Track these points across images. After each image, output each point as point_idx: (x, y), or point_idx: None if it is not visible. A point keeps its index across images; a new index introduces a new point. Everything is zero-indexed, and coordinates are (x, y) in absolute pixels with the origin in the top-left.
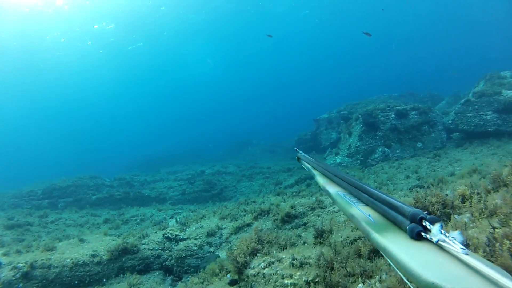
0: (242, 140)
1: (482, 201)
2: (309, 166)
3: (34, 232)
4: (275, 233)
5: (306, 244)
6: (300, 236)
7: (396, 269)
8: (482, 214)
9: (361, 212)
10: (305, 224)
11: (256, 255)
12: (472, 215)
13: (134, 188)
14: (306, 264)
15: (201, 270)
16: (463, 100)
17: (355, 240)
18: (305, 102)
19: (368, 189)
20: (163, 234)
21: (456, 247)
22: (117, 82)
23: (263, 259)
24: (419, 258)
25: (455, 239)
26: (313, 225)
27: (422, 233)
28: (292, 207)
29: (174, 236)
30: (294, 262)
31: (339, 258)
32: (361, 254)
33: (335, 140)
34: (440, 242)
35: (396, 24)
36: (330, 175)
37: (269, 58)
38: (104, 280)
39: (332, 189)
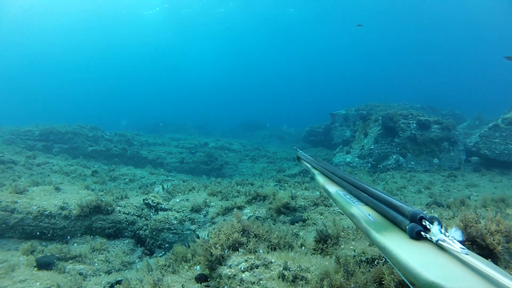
0: (253, 121)
1: None
2: (308, 165)
3: (16, 171)
4: (267, 226)
5: (304, 248)
6: (298, 235)
7: (396, 268)
8: None
9: (361, 211)
10: (304, 221)
11: (238, 250)
12: None
13: (132, 147)
14: (302, 280)
15: (171, 251)
16: (490, 124)
17: (374, 260)
18: (322, 94)
19: (368, 189)
20: (144, 200)
21: (456, 247)
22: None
23: (246, 257)
24: (419, 257)
25: (455, 239)
26: (314, 223)
27: (422, 233)
28: (292, 197)
29: (155, 204)
30: (285, 273)
31: (352, 285)
32: (383, 284)
33: (348, 138)
34: (440, 242)
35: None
36: (329, 174)
37: (294, 46)
38: (68, 237)
39: (332, 188)
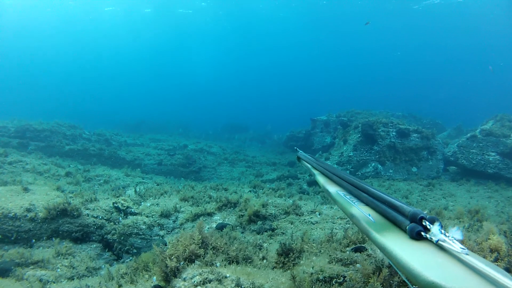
0: (236, 124)
1: None
2: (308, 166)
3: None
4: (227, 238)
5: (265, 261)
6: (261, 246)
7: (396, 268)
8: None
9: (361, 211)
10: (273, 230)
11: (194, 261)
12: None
13: (111, 147)
14: None
15: (135, 257)
16: (468, 135)
17: (332, 279)
18: (304, 99)
19: (368, 189)
20: (113, 203)
21: (456, 247)
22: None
23: (200, 271)
24: (419, 257)
25: (455, 239)
26: (283, 233)
27: (422, 233)
28: (263, 205)
29: (124, 208)
30: None
31: None
32: None
33: (328, 144)
34: (440, 242)
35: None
36: (330, 174)
37: (278, 52)
38: (33, 240)
39: (332, 188)
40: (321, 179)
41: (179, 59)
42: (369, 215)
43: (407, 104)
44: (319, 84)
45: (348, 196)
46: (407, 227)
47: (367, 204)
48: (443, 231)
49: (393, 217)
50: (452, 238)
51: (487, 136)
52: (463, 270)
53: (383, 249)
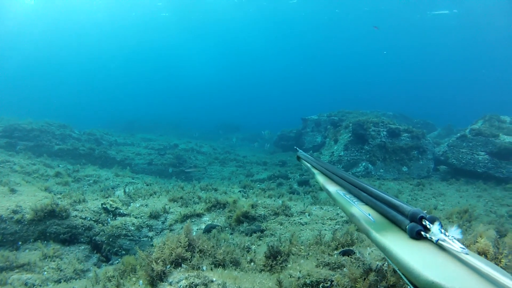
0: (229, 124)
1: None
2: (308, 165)
3: None
4: (214, 240)
5: (252, 264)
6: (249, 249)
7: (396, 268)
8: None
9: (361, 211)
10: (262, 231)
11: (180, 265)
12: None
13: (101, 147)
14: None
15: (121, 259)
16: (458, 134)
17: (318, 284)
18: (296, 100)
19: (368, 188)
20: (102, 204)
21: (456, 246)
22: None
23: (187, 275)
24: (419, 257)
25: (455, 238)
26: (272, 234)
27: (422, 232)
28: (253, 206)
29: (113, 209)
30: None
31: None
32: None
33: (319, 144)
34: (440, 242)
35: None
36: (329, 174)
37: (268, 51)
38: (20, 243)
39: (332, 188)
40: (320, 179)
41: (173, 60)
42: (369, 215)
43: (398, 104)
44: (311, 85)
45: (348, 196)
46: (407, 226)
47: (367, 203)
48: (443, 230)
49: (393, 216)
50: (452, 237)
51: (476, 136)
52: (463, 269)
53: (383, 249)
